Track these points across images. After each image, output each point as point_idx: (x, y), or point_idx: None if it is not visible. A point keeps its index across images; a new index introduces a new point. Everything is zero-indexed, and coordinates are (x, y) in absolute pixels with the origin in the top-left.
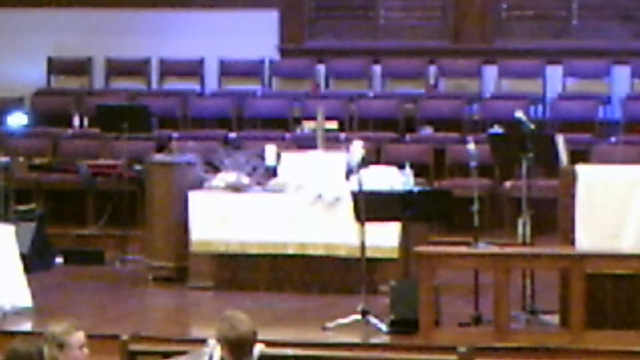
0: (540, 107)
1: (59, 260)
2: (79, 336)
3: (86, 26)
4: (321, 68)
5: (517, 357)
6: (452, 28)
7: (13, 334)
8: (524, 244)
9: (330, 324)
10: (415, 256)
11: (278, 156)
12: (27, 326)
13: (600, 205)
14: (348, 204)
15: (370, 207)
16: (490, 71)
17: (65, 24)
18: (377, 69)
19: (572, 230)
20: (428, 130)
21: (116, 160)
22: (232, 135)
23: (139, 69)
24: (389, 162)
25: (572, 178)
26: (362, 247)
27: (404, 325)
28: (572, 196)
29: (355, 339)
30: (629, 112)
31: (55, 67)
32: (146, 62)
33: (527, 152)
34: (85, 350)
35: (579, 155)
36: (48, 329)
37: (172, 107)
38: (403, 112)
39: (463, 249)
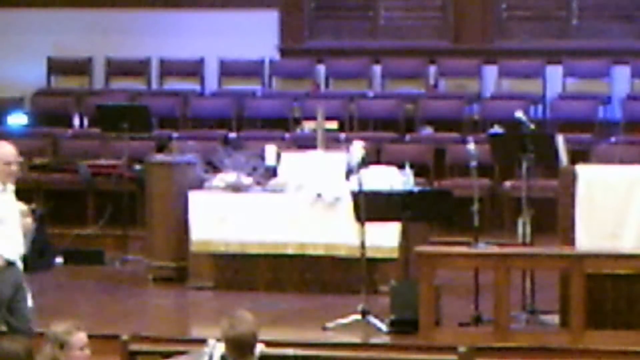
0: (540, 107)
1: (59, 260)
2: (81, 337)
3: (86, 26)
4: (321, 68)
5: (517, 357)
6: (452, 28)
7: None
8: (524, 244)
9: (330, 324)
10: (415, 256)
11: (278, 156)
12: None
13: (600, 205)
14: (348, 204)
15: (370, 207)
16: (490, 71)
17: (65, 24)
18: (377, 69)
19: (572, 230)
20: (428, 130)
21: (116, 160)
22: (232, 135)
23: (139, 69)
24: (389, 162)
25: (572, 178)
26: (362, 247)
27: (404, 325)
28: (572, 196)
29: (355, 339)
30: (629, 112)
31: (55, 67)
32: (146, 62)
33: (527, 152)
34: (87, 352)
35: (579, 155)
36: (50, 329)
37: (172, 107)
38: (403, 112)
39: (463, 249)
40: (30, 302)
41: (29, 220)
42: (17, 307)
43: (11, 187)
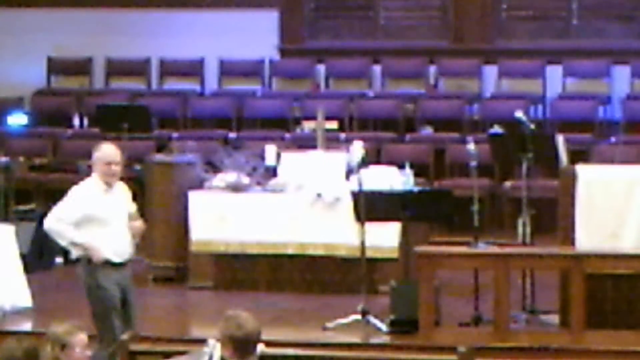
0: (540, 107)
1: (59, 260)
2: (82, 337)
3: (86, 26)
4: (321, 68)
5: (517, 357)
6: (452, 28)
7: (13, 334)
8: (524, 244)
9: (330, 324)
10: (415, 256)
11: (278, 156)
12: (27, 326)
13: (600, 205)
14: (348, 204)
15: (370, 207)
16: (490, 71)
17: (65, 24)
18: (377, 69)
19: (572, 230)
20: (428, 130)
21: None
22: (232, 135)
23: (139, 69)
24: (389, 162)
25: (572, 178)
26: (362, 247)
27: (404, 325)
28: (572, 196)
29: (355, 339)
30: (629, 112)
31: (55, 67)
32: (146, 62)
33: (527, 152)
34: (87, 352)
35: (579, 155)
36: (51, 329)
37: (172, 107)
38: (403, 112)
39: (463, 249)
40: (30, 302)
41: (137, 223)
42: (124, 312)
43: (120, 188)
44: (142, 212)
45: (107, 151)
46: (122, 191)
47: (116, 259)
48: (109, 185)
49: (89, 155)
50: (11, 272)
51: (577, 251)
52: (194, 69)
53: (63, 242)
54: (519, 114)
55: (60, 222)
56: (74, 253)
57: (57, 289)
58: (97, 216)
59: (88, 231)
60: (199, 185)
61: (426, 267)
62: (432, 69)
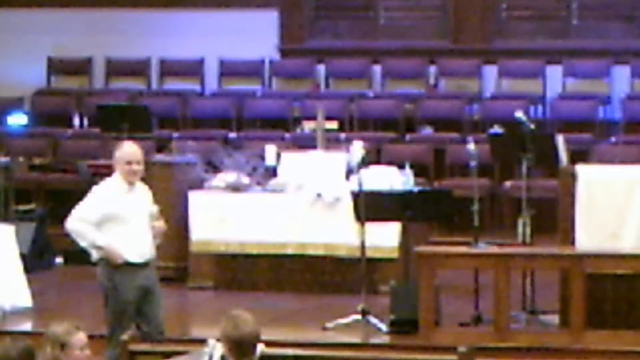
0: (540, 107)
1: (59, 260)
2: (81, 337)
3: (86, 26)
4: (321, 68)
5: (517, 357)
6: (452, 28)
7: (13, 334)
8: (524, 244)
9: (330, 324)
10: (415, 256)
11: (278, 156)
12: (27, 326)
13: (600, 205)
14: (348, 204)
15: (370, 207)
16: (490, 71)
17: (65, 24)
18: (377, 69)
19: (572, 230)
20: (428, 130)
21: None
22: (232, 135)
23: (139, 69)
24: (389, 162)
25: (572, 178)
26: (362, 247)
27: (404, 325)
28: (572, 196)
29: (355, 339)
30: (629, 112)
31: (55, 67)
32: (146, 62)
33: (527, 152)
34: (87, 352)
35: (579, 155)
36: (50, 329)
37: (172, 107)
38: (403, 112)
39: (463, 249)
40: (30, 302)
41: (159, 223)
42: (146, 311)
43: (142, 188)
44: None
45: (128, 150)
46: (144, 191)
47: (137, 259)
48: (130, 184)
49: (89, 155)
50: (11, 272)
51: (577, 251)
52: (194, 69)
53: (84, 243)
54: (519, 114)
55: (82, 222)
56: (94, 254)
57: (57, 289)
58: (118, 215)
59: (109, 230)
60: (199, 185)
61: (426, 267)
62: (432, 69)
